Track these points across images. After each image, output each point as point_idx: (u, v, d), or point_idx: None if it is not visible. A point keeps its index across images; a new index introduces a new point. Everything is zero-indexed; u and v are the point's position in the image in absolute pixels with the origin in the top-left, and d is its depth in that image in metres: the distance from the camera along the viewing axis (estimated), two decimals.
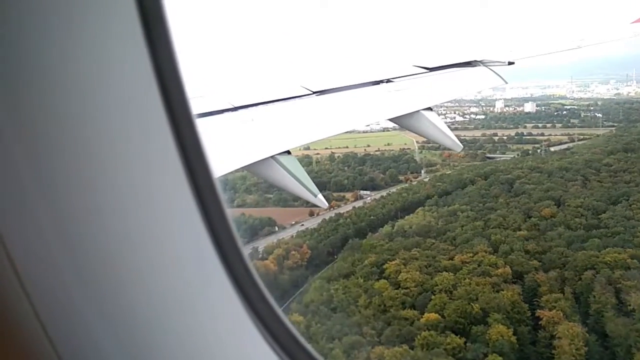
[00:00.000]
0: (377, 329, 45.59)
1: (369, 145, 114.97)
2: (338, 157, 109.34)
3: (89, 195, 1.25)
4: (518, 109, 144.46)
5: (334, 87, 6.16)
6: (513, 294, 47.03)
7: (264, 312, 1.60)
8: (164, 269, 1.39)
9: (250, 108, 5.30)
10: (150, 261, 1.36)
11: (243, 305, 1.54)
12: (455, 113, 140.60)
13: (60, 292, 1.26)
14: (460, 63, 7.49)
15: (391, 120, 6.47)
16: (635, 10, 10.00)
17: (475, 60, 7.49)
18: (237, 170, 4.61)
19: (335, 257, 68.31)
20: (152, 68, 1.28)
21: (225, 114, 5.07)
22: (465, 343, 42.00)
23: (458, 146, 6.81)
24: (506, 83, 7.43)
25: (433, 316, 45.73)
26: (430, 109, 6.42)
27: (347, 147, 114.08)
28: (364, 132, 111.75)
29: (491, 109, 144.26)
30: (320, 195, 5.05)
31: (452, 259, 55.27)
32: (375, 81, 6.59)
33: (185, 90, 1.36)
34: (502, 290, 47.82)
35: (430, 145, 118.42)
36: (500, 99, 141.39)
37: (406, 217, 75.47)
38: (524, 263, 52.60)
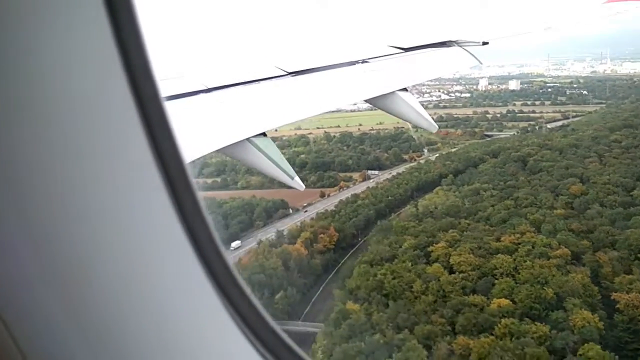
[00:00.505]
0: (447, 317, 41.67)
1: (361, 124, 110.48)
2: (334, 136, 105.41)
3: (56, 194, 1.17)
4: (502, 86, 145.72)
5: (309, 67, 5.79)
6: (583, 276, 42.98)
7: (245, 311, 1.48)
8: (139, 267, 1.27)
9: (224, 89, 4.93)
10: (124, 261, 1.25)
11: (223, 304, 1.42)
12: (440, 91, 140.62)
13: (29, 299, 1.18)
14: (435, 43, 7.17)
15: (367, 101, 6.17)
16: None
17: (450, 41, 7.19)
18: (212, 153, 4.32)
19: (360, 239, 65.09)
20: (119, 56, 1.17)
21: (199, 95, 4.71)
22: (550, 331, 37.92)
23: (433, 127, 6.57)
24: (481, 63, 7.20)
25: (504, 302, 41.34)
26: (405, 89, 6.13)
27: (339, 126, 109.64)
28: (351, 110, 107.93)
29: (475, 87, 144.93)
30: (297, 178, 4.78)
31: (499, 240, 51.19)
32: (351, 62, 6.26)
33: (155, 79, 1.23)
34: (570, 272, 44.21)
35: None
36: (484, 77, 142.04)
37: (426, 196, 72.30)
38: (577, 243, 48.70)
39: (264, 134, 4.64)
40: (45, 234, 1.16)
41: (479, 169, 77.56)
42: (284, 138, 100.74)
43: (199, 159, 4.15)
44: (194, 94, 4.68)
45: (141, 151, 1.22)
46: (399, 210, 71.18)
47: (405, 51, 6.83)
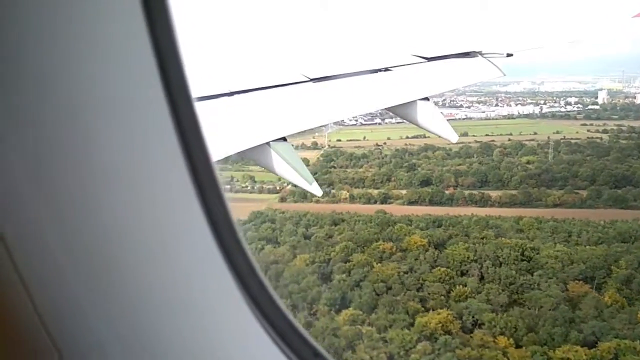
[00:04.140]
0: None
1: (511, 134, 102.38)
2: (529, 145, 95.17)
3: (89, 192, 1.19)
4: (622, 100, 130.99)
5: (332, 74, 5.76)
6: None
7: (267, 308, 1.49)
8: (165, 264, 1.30)
9: (246, 93, 4.90)
10: (151, 257, 1.29)
11: (245, 300, 1.43)
12: (555, 103, 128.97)
13: (62, 291, 1.23)
14: (459, 53, 7.13)
15: (388, 109, 6.26)
16: (633, 5, 9.31)
17: (474, 51, 7.14)
18: (231, 156, 4.30)
19: None
20: (155, 60, 1.18)
21: (222, 98, 4.66)
22: None
23: (454, 136, 6.54)
24: (504, 75, 7.12)
25: None
26: (427, 99, 6.15)
27: (487, 134, 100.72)
28: (479, 118, 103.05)
29: (593, 99, 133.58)
30: (315, 184, 4.75)
31: None
32: (373, 69, 6.25)
33: (187, 81, 1.25)
34: None
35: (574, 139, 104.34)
36: (602, 90, 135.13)
37: None
38: None
39: (284, 139, 4.65)
40: (79, 234, 1.18)
41: None
42: (497, 144, 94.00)
43: (219, 160, 4.15)
44: (217, 97, 4.69)
45: (172, 151, 1.22)
46: None
47: (428, 60, 6.82)
